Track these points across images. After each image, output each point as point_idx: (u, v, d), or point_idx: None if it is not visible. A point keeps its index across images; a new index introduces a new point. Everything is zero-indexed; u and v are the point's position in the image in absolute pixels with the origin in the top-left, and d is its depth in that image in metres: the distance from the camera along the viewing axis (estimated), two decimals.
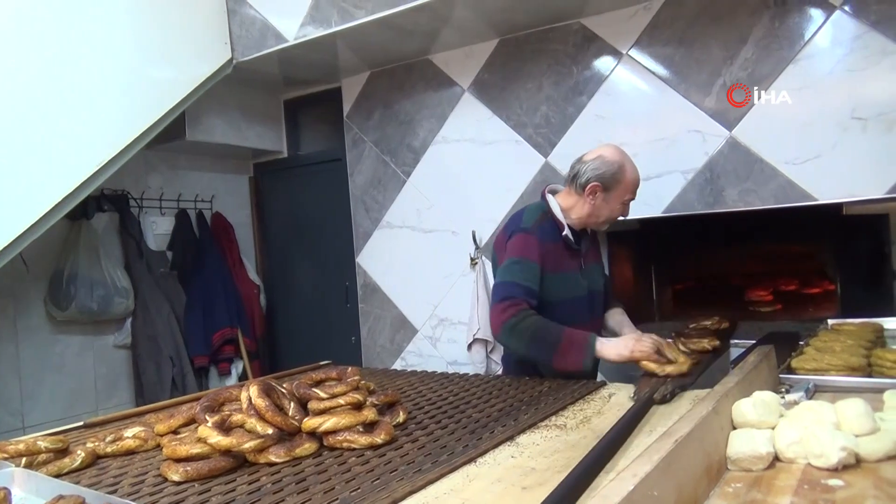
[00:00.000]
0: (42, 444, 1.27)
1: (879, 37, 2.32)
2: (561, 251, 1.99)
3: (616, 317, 2.20)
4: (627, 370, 2.50)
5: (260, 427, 1.23)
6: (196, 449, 1.17)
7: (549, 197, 2.05)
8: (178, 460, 1.17)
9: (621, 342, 1.80)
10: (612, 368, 2.73)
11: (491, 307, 1.90)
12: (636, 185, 2.03)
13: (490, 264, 3.24)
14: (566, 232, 1.99)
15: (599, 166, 1.95)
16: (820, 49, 2.43)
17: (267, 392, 1.30)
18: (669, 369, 1.66)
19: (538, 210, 2.03)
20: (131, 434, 1.40)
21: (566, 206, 2.02)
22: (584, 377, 1.83)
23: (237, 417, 1.26)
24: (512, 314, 1.81)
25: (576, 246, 2.03)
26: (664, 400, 1.42)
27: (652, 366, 1.69)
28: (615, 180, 1.96)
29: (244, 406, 1.28)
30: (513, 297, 1.84)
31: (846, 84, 2.38)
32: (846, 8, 2.37)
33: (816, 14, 2.43)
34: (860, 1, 2.35)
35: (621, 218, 2.09)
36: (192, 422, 1.43)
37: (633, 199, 2.04)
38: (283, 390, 1.36)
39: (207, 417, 1.28)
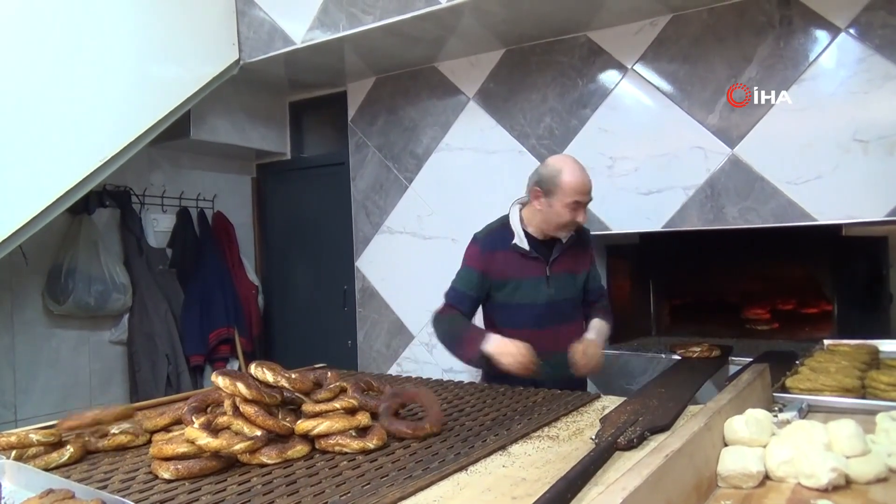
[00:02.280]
0: (34, 437, 1.26)
1: (883, 61, 2.33)
2: (514, 258, 2.07)
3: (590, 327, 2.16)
4: (623, 383, 2.50)
5: (247, 429, 1.22)
6: (182, 448, 1.17)
7: (513, 207, 2.15)
8: (166, 459, 1.17)
9: (504, 347, 1.90)
10: (607, 381, 2.73)
11: None
12: (578, 188, 1.99)
13: None
14: (515, 240, 2.07)
15: (539, 171, 2.06)
16: (824, 70, 2.44)
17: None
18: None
19: (498, 221, 2.17)
20: (119, 430, 1.39)
21: (527, 216, 2.11)
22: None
23: (224, 419, 1.25)
24: (437, 312, 2.08)
25: (534, 254, 2.08)
26: (630, 445, 1.23)
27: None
28: (553, 184, 1.99)
29: (229, 411, 1.27)
30: (445, 301, 2.10)
31: (849, 106, 2.39)
32: (851, 31, 2.39)
33: (822, 36, 2.44)
34: (865, 24, 2.36)
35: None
36: (181, 421, 1.42)
37: (581, 202, 2.00)
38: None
39: (194, 419, 1.28)
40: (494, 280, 2.08)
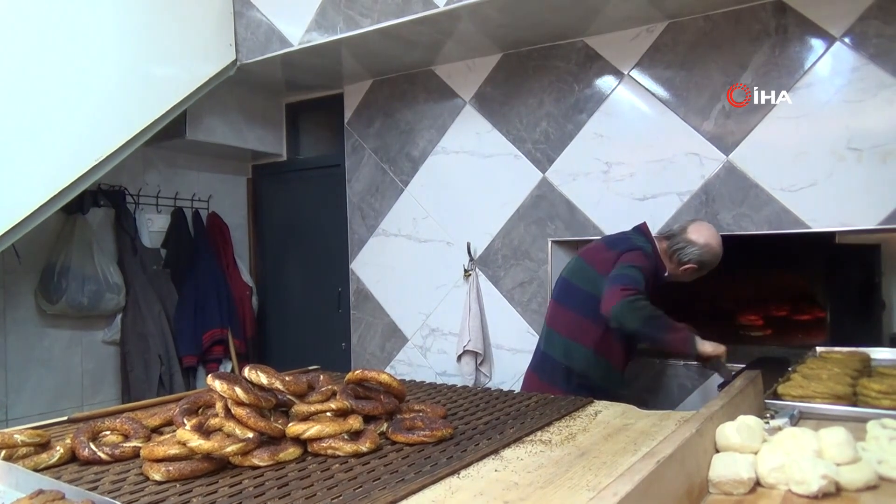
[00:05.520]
0: (19, 437, 1.25)
1: (877, 70, 2.35)
2: (651, 288, 2.21)
3: None
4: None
5: (239, 431, 1.22)
6: (174, 450, 1.16)
7: (657, 242, 2.32)
8: (157, 460, 1.17)
9: (714, 343, 2.14)
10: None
11: (609, 288, 2.11)
12: None
13: (484, 277, 3.26)
14: (667, 274, 2.28)
15: (704, 254, 2.26)
16: (819, 79, 2.46)
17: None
18: None
19: (649, 246, 2.29)
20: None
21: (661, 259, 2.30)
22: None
23: (216, 421, 1.25)
24: (631, 294, 2.04)
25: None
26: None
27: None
28: (708, 265, 2.28)
29: (221, 412, 1.27)
30: (634, 286, 2.08)
31: (843, 114, 2.40)
32: (846, 40, 2.40)
33: (817, 44, 2.46)
34: (860, 34, 2.38)
35: None
36: (172, 422, 1.42)
37: None
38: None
39: (185, 420, 1.27)
40: None
